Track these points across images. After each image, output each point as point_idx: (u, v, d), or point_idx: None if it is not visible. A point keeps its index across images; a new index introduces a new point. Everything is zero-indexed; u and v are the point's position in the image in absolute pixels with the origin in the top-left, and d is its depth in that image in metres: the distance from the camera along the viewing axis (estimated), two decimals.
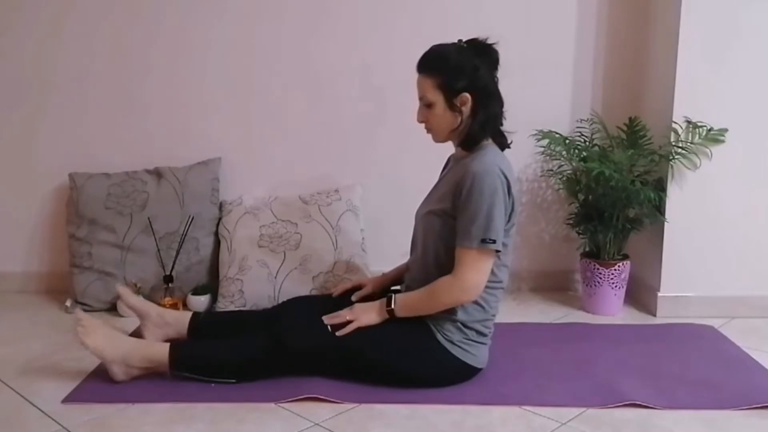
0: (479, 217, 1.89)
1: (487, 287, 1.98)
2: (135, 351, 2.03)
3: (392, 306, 2.01)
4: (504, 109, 2.02)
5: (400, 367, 2.00)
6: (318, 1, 2.87)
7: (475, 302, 1.99)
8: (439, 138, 2.05)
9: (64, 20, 2.87)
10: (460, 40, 1.99)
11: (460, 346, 2.00)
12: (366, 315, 2.03)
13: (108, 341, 2.02)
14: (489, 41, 1.97)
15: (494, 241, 1.89)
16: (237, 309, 2.63)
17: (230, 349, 2.05)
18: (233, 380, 2.02)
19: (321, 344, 2.01)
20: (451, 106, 1.96)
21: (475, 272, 1.92)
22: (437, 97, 1.96)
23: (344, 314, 2.05)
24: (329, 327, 2.02)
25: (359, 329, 2.00)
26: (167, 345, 2.05)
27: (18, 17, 2.86)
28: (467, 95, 1.95)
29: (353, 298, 2.22)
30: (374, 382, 2.01)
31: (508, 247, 2.02)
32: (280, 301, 2.56)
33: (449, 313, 1.99)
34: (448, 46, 1.98)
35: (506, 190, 1.92)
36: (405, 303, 2.02)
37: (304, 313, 2.15)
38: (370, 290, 2.25)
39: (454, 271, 1.94)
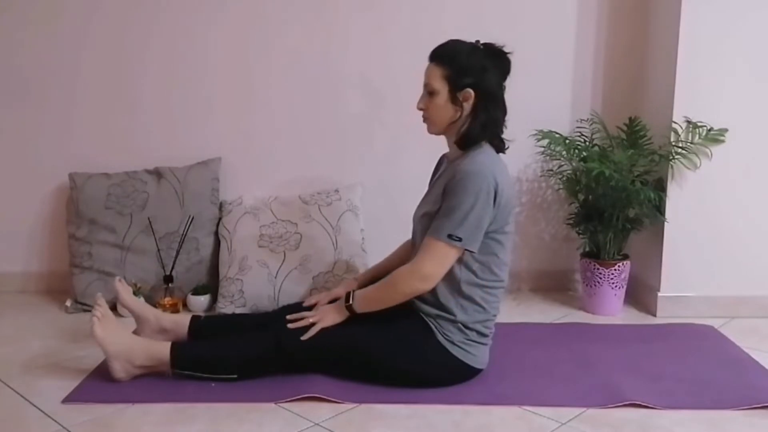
0: (455, 213, 1.90)
1: (486, 287, 1.99)
2: (137, 348, 2.04)
3: (351, 302, 2.03)
4: (506, 118, 2.03)
5: (401, 367, 2.00)
6: (317, 2, 2.88)
7: (475, 302, 1.99)
8: (434, 129, 2.06)
9: (64, 20, 2.87)
10: (477, 41, 2.01)
11: (460, 347, 1.99)
12: (329, 315, 2.05)
13: (114, 336, 2.03)
14: (505, 49, 2.00)
15: (460, 239, 1.90)
16: (237, 313, 2.63)
17: (231, 347, 2.06)
18: (234, 376, 2.02)
19: (321, 346, 2.02)
20: (453, 99, 1.98)
21: (434, 262, 1.93)
22: (442, 87, 1.97)
23: (308, 315, 2.07)
24: (292, 329, 2.03)
25: (347, 331, 2.02)
26: (168, 344, 2.06)
27: (18, 17, 2.86)
28: (471, 92, 1.96)
29: None
30: (375, 382, 2.01)
31: (507, 246, 2.02)
32: (279, 301, 2.59)
33: (448, 313, 1.99)
34: (464, 43, 2.00)
35: (493, 194, 1.92)
36: (363, 297, 2.04)
37: None
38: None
39: (414, 258, 1.97)
